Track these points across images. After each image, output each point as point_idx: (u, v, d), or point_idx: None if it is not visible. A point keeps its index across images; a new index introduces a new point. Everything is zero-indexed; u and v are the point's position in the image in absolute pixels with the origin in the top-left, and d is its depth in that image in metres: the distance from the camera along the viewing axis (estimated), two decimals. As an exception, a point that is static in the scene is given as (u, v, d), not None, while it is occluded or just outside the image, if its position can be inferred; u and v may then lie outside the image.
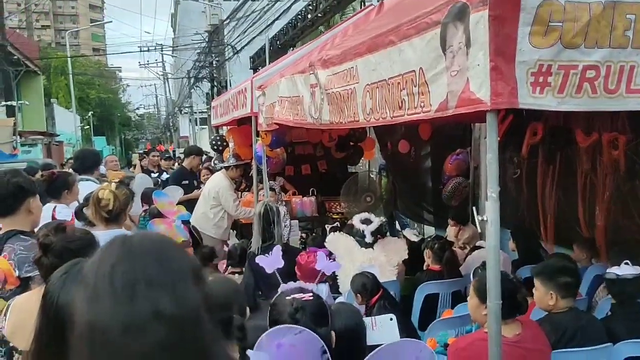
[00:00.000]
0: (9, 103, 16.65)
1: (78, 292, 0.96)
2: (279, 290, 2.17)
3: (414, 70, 2.04)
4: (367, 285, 3.20)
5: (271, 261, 2.64)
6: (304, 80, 3.49)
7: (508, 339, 2.13)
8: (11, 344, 1.87)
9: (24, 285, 2.25)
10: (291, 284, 2.29)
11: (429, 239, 4.30)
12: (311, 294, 1.92)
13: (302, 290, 1.98)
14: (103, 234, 2.34)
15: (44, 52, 31.71)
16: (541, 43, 1.73)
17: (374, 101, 2.46)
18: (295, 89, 3.71)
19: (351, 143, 7.45)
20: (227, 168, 6.21)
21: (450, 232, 5.12)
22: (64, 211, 3.92)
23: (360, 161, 8.62)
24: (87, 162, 5.06)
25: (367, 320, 2.11)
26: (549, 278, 2.57)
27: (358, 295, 3.20)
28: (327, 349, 1.68)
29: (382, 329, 2.06)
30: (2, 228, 2.61)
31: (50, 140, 21.39)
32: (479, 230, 4.13)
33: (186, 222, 5.34)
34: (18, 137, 15.71)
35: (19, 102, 17.69)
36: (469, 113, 1.84)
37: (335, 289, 3.71)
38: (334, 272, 3.42)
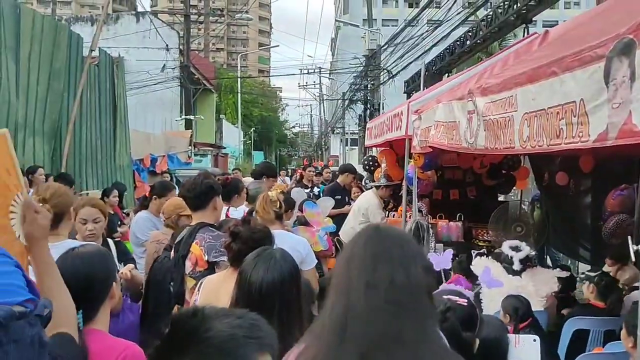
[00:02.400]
0: (188, 117, 18.82)
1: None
2: (440, 287, 2.35)
3: (574, 101, 2.10)
4: (519, 310, 3.23)
5: (441, 260, 2.84)
6: (462, 107, 3.62)
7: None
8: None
9: (211, 268, 2.69)
10: (452, 286, 2.46)
11: (588, 273, 4.12)
12: (467, 300, 2.07)
13: (460, 294, 2.14)
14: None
15: (217, 73, 35.13)
16: None
17: (531, 129, 2.54)
18: (452, 114, 3.86)
19: (503, 171, 7.30)
20: (377, 187, 6.49)
21: (610, 270, 4.82)
22: (236, 212, 4.49)
23: (512, 190, 8.37)
24: (256, 172, 5.74)
25: (511, 337, 2.18)
26: None
27: (507, 315, 3.23)
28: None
29: (523, 347, 2.12)
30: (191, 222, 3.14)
31: (217, 152, 23.63)
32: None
33: (332, 234, 5.69)
34: (193, 147, 17.67)
35: (195, 116, 19.87)
36: (634, 147, 1.86)
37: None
38: (478, 295, 3.48)
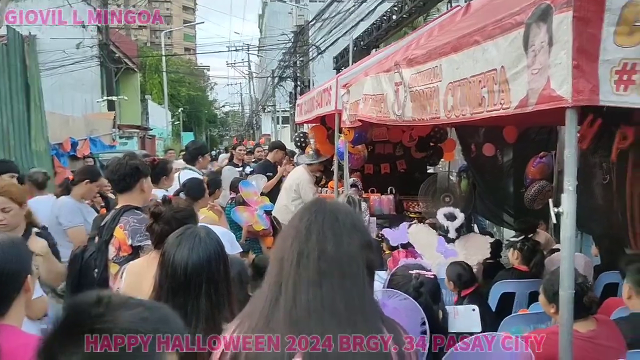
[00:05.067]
0: (110, 98, 17.94)
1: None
2: (400, 262, 2.35)
3: (495, 69, 2.13)
4: (462, 276, 3.32)
5: (397, 235, 2.83)
6: (389, 79, 3.62)
7: (581, 333, 2.17)
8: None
9: (135, 253, 2.56)
10: (412, 260, 2.47)
11: (512, 240, 4.28)
12: (433, 273, 2.09)
13: (422, 267, 2.14)
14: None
15: (140, 51, 33.68)
16: (626, 42, 1.77)
17: (455, 99, 2.56)
18: (379, 87, 3.85)
19: (431, 144, 7.48)
20: (308, 163, 6.47)
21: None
22: (162, 195, 4.33)
23: (440, 162, 8.61)
24: (190, 155, 5.56)
25: (449, 308, 2.22)
26: (630, 272, 2.59)
27: (451, 282, 3.31)
28: (426, 321, 1.82)
29: (463, 317, 2.16)
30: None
31: (144, 134, 22.78)
32: (552, 236, 4.07)
33: (268, 212, 5.63)
34: (117, 129, 16.90)
35: (118, 97, 18.98)
36: (554, 115, 1.90)
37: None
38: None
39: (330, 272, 1.21)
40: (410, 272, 2.08)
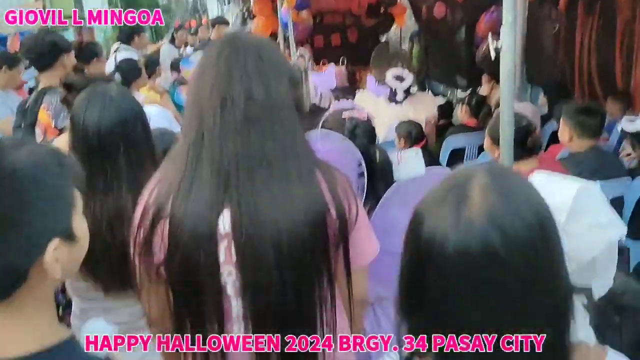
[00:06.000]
0: (35, -14, 16.37)
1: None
2: (332, 106, 2.25)
3: None
4: (412, 133, 3.44)
5: (324, 79, 2.71)
6: None
7: (523, 171, 2.18)
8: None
9: (62, 134, 2.41)
10: (344, 102, 2.36)
11: (462, 97, 4.28)
12: (366, 115, 2.00)
13: (354, 108, 2.05)
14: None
15: None
16: None
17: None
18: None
19: (381, 10, 7.19)
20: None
21: (484, 89, 5.04)
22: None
23: (392, 30, 8.35)
24: (125, 33, 5.19)
25: (392, 156, 2.16)
26: (568, 115, 2.61)
27: (402, 139, 3.38)
28: (363, 162, 1.75)
29: (407, 162, 2.11)
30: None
31: (81, 26, 21.23)
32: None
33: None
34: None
35: (44, -15, 17.35)
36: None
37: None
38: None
39: (258, 118, 1.10)
40: (343, 116, 2.00)
